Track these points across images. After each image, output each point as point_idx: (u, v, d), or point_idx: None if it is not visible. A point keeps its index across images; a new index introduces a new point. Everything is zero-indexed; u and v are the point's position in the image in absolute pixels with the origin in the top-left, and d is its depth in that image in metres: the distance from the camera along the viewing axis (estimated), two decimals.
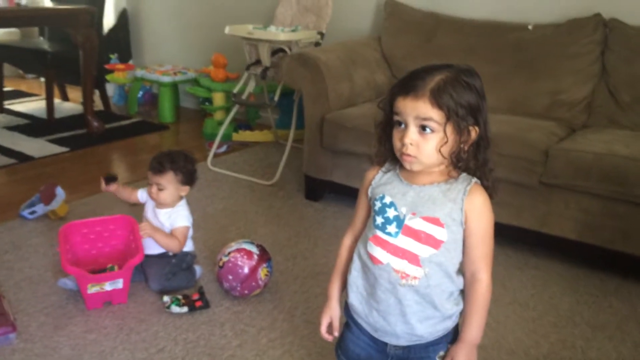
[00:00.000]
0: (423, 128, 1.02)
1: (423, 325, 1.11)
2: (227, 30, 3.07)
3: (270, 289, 2.07)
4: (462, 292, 1.14)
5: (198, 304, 1.93)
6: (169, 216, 2.08)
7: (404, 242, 1.08)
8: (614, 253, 2.16)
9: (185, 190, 2.08)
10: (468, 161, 1.06)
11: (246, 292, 1.97)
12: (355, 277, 1.17)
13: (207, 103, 4.04)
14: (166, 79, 4.13)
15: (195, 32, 4.42)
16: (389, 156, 1.12)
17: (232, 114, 3.39)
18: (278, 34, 2.97)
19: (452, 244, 1.07)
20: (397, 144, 1.06)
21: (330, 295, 1.27)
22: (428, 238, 1.06)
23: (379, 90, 2.95)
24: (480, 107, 1.04)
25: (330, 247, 2.39)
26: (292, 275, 2.18)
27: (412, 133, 1.03)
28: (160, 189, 2.04)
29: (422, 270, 1.07)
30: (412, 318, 1.11)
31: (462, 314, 1.13)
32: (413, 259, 1.07)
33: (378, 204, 1.11)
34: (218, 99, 3.83)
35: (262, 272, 1.97)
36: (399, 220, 1.08)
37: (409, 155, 1.04)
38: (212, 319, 1.90)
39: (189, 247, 2.15)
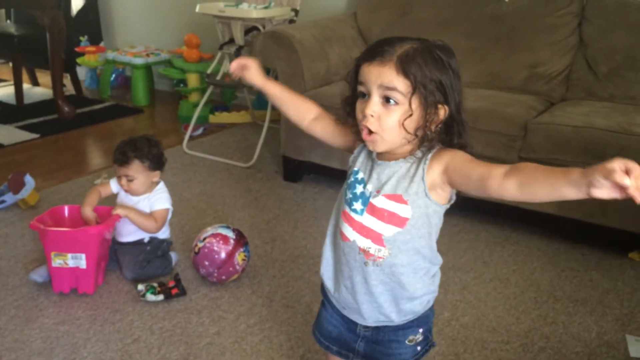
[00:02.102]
0: (387, 100, 0.96)
1: (391, 306, 1.08)
2: (197, 8, 2.99)
3: (249, 274, 2.03)
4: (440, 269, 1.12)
5: (174, 291, 1.89)
6: (148, 200, 2.02)
7: (368, 220, 1.04)
8: (594, 226, 2.15)
9: (156, 175, 2.02)
10: (433, 142, 0.99)
11: (223, 277, 1.93)
12: (327, 249, 1.15)
13: (181, 85, 3.95)
14: (139, 60, 4.03)
15: (167, 12, 4.29)
16: (354, 134, 1.06)
17: (207, 95, 3.31)
18: (250, 11, 2.89)
19: (421, 219, 1.01)
20: (358, 115, 1.00)
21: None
22: (391, 216, 1.01)
23: None
24: (452, 85, 0.97)
25: (310, 229, 2.36)
26: (271, 259, 2.14)
27: (374, 104, 0.96)
28: (129, 180, 1.97)
29: (387, 250, 1.03)
30: (380, 298, 1.07)
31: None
32: (377, 238, 1.04)
33: (351, 178, 1.08)
34: (192, 80, 3.75)
35: (239, 257, 1.93)
36: (365, 198, 1.05)
37: (371, 132, 0.98)
38: (188, 306, 1.86)
39: (165, 234, 2.10)
